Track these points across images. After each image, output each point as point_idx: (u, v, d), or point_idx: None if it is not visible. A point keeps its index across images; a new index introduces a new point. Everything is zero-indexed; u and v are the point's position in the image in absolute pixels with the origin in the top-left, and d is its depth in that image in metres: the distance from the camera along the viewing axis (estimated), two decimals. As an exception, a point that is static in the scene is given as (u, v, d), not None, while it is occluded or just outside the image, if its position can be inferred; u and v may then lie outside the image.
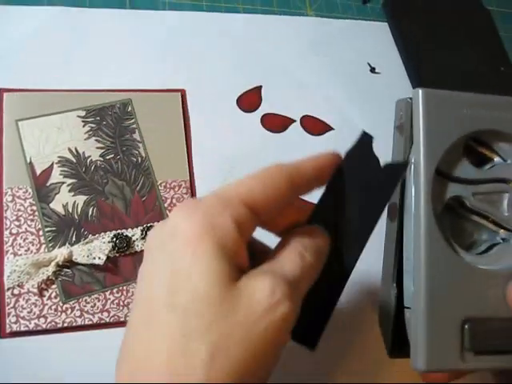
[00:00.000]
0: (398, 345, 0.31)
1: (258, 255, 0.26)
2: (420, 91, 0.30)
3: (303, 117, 0.50)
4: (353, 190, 0.28)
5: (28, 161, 0.41)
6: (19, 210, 0.39)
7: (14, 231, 0.39)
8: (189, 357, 0.21)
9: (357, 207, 0.28)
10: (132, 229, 0.40)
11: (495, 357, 0.29)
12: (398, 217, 0.32)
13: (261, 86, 0.50)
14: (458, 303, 0.29)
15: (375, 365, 0.40)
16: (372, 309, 0.40)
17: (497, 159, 0.32)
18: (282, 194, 0.26)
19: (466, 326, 0.29)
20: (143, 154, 0.43)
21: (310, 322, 0.27)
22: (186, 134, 0.45)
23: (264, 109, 0.49)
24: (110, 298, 0.38)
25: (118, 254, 0.39)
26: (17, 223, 0.39)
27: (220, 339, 0.21)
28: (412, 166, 0.30)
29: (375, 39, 0.57)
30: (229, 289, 0.22)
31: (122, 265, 0.39)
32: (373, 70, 0.55)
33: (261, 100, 0.49)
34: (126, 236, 0.40)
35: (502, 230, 0.32)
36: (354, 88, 0.53)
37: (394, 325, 0.31)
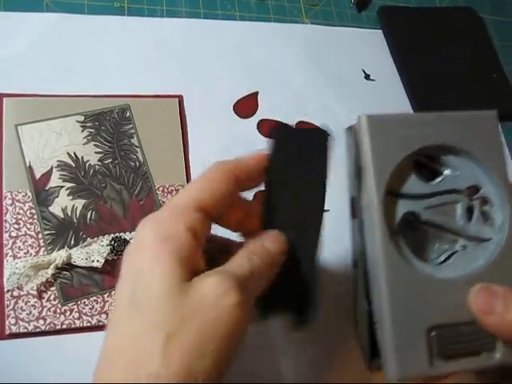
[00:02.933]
0: (375, 358, 0.32)
1: (216, 255, 0.29)
2: (364, 117, 0.31)
3: (299, 122, 0.50)
4: (292, 177, 0.31)
5: (27, 165, 0.41)
6: (19, 213, 0.40)
7: (13, 234, 0.39)
8: (147, 349, 0.24)
9: (301, 192, 0.30)
10: (130, 232, 0.41)
11: (463, 359, 0.30)
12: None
13: (257, 92, 0.51)
14: (421, 313, 0.30)
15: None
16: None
17: (447, 171, 0.33)
18: (230, 190, 0.29)
19: (433, 333, 0.30)
20: (141, 159, 0.44)
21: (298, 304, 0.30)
22: (183, 139, 0.46)
23: (260, 115, 0.50)
24: (108, 300, 0.39)
25: (116, 257, 0.40)
26: (16, 226, 0.39)
27: (171, 329, 0.24)
28: (364, 189, 0.31)
29: (370, 46, 0.58)
30: (181, 288, 0.25)
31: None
32: (367, 76, 0.55)
33: (257, 106, 0.50)
34: (124, 239, 0.40)
35: (460, 238, 0.33)
36: (349, 94, 0.54)
37: (369, 340, 0.32)
